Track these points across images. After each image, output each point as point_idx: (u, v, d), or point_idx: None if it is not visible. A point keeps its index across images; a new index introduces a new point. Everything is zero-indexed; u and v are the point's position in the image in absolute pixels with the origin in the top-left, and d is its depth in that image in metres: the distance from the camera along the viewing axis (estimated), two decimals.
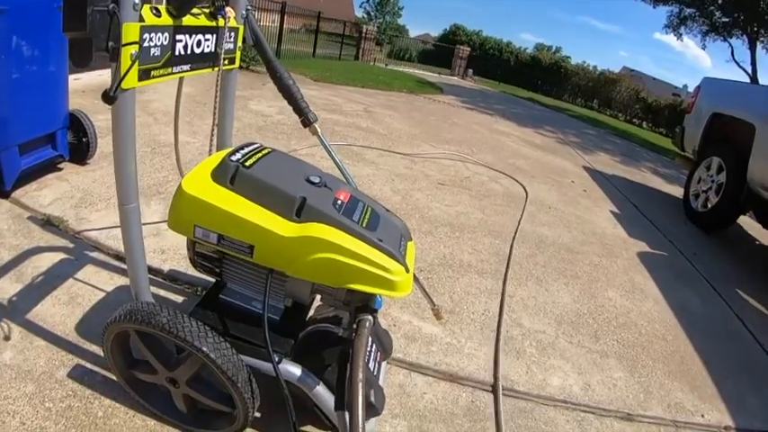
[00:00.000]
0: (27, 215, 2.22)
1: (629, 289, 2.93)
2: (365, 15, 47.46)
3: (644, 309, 2.74)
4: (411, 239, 1.23)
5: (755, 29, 16.54)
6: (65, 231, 2.16)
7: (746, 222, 5.13)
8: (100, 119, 2.81)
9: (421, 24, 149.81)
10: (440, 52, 22.56)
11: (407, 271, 1.07)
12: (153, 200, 2.57)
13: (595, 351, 2.21)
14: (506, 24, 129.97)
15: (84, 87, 3.76)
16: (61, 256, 1.99)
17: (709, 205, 4.58)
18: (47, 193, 2.45)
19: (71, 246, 2.07)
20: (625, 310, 2.66)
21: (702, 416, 2.00)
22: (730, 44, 18.31)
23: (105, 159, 2.88)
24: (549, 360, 2.05)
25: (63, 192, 2.49)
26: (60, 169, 2.71)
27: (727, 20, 17.59)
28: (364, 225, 1.10)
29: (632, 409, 1.90)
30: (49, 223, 2.18)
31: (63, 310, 1.69)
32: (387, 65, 16.65)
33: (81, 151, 2.79)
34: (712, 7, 17.50)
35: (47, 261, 1.93)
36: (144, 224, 2.21)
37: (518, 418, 1.71)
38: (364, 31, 16.10)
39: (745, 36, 17.28)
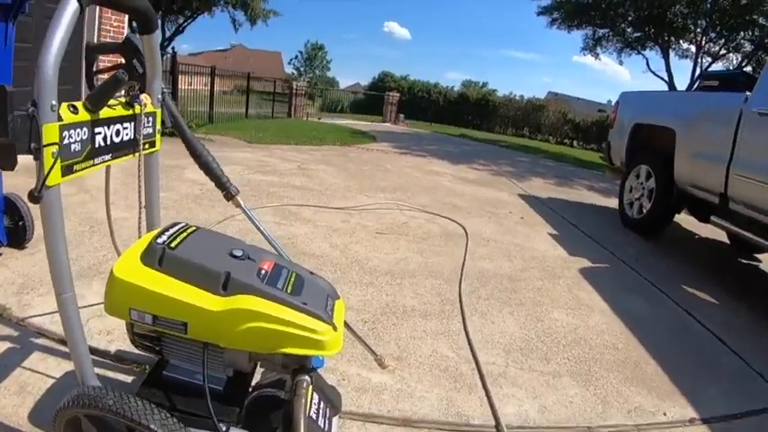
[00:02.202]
0: None
1: (574, 306, 3.03)
2: (295, 72, 48.49)
3: (591, 323, 2.83)
4: (339, 298, 1.30)
5: (666, 38, 17.69)
6: (8, 319, 2.12)
7: (684, 219, 5.40)
8: None
9: (350, 75, 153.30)
10: (371, 101, 23.13)
11: (335, 329, 1.13)
12: (94, 280, 2.54)
13: (548, 373, 2.27)
14: (432, 65, 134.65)
15: (17, 167, 3.69)
16: (6, 345, 1.96)
17: (644, 211, 4.86)
18: None
19: (16, 334, 2.04)
20: (572, 327, 2.75)
21: (665, 414, 2.06)
22: (645, 56, 19.58)
23: (44, 242, 2.84)
24: (501, 390, 2.10)
25: (3, 278, 2.45)
26: None
27: (638, 34, 18.76)
28: (289, 291, 1.15)
29: (592, 422, 1.95)
30: None
31: (14, 400, 1.67)
32: (320, 118, 16.87)
33: (18, 235, 2.74)
34: (623, 25, 18.65)
35: None
36: (88, 306, 2.23)
37: None
38: (294, 87, 16.34)
39: (657, 47, 18.42)
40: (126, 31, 6.74)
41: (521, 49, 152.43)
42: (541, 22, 20.38)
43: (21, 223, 2.73)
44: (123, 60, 1.46)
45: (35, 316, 2.16)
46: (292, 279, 1.21)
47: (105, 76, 1.28)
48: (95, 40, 6.02)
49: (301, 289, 1.19)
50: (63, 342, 2.00)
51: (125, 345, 2.00)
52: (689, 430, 2.00)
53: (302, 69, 49.59)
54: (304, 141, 9.16)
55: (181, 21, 23.17)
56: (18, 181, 3.02)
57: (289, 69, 49.54)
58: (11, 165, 1.01)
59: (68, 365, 1.86)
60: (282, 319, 1.08)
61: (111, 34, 6.47)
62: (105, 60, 2.20)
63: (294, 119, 15.33)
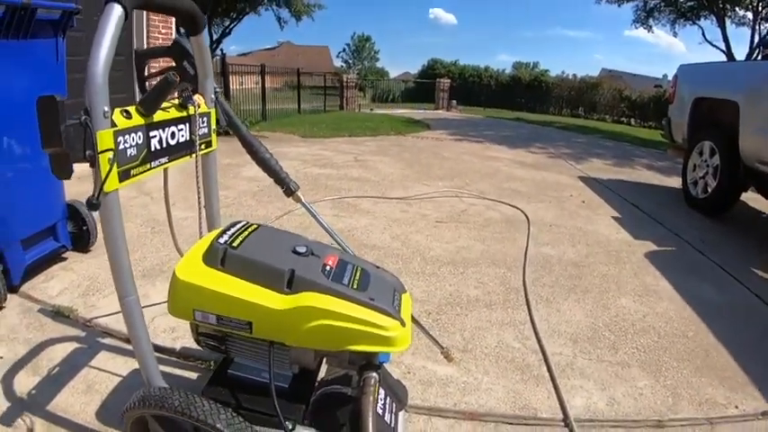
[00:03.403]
0: (37, 308, 2.28)
1: (641, 293, 2.90)
2: (344, 64, 48.78)
3: (659, 309, 2.70)
4: (405, 291, 1.26)
5: (721, 5, 16.77)
6: (75, 320, 2.20)
7: (750, 197, 5.08)
8: None
9: (399, 65, 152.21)
10: (422, 88, 22.67)
11: (403, 325, 1.09)
12: (158, 280, 2.60)
13: (616, 363, 2.17)
14: (481, 49, 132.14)
15: (78, 174, 3.83)
16: (74, 345, 2.03)
17: (709, 190, 4.59)
18: (54, 284, 2.50)
19: (83, 334, 2.11)
20: (641, 315, 2.63)
21: (737, 407, 1.94)
22: (700, 26, 18.75)
23: None
24: (569, 381, 2.02)
25: (70, 281, 2.54)
26: (65, 259, 2.77)
27: (692, 3, 17.87)
28: (355, 287, 1.12)
29: (662, 415, 1.86)
30: (59, 314, 2.22)
31: (82, 398, 1.72)
32: (372, 109, 16.76)
33: (83, 239, 2.86)
34: None
35: (61, 352, 1.97)
36: (153, 305, 2.27)
37: None
38: (345, 79, 16.28)
39: (712, 15, 17.51)
40: (174, 36, 6.89)
41: (570, 26, 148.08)
42: None
43: (84, 228, 2.84)
44: (174, 63, 1.46)
45: (101, 316, 2.22)
46: (358, 274, 1.18)
47: (157, 80, 1.28)
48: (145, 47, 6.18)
49: (367, 284, 1.15)
50: (129, 341, 2.04)
51: (190, 342, 2.03)
52: (761, 424, 1.87)
53: (351, 62, 49.92)
54: (358, 133, 9.14)
55: (227, 23, 23.64)
56: (79, 189, 3.15)
57: (337, 63, 50.00)
58: (67, 174, 1.01)
59: (135, 363, 1.88)
60: (349, 315, 1.05)
61: (160, 41, 6.64)
62: (157, 66, 2.23)
63: (346, 111, 15.31)
